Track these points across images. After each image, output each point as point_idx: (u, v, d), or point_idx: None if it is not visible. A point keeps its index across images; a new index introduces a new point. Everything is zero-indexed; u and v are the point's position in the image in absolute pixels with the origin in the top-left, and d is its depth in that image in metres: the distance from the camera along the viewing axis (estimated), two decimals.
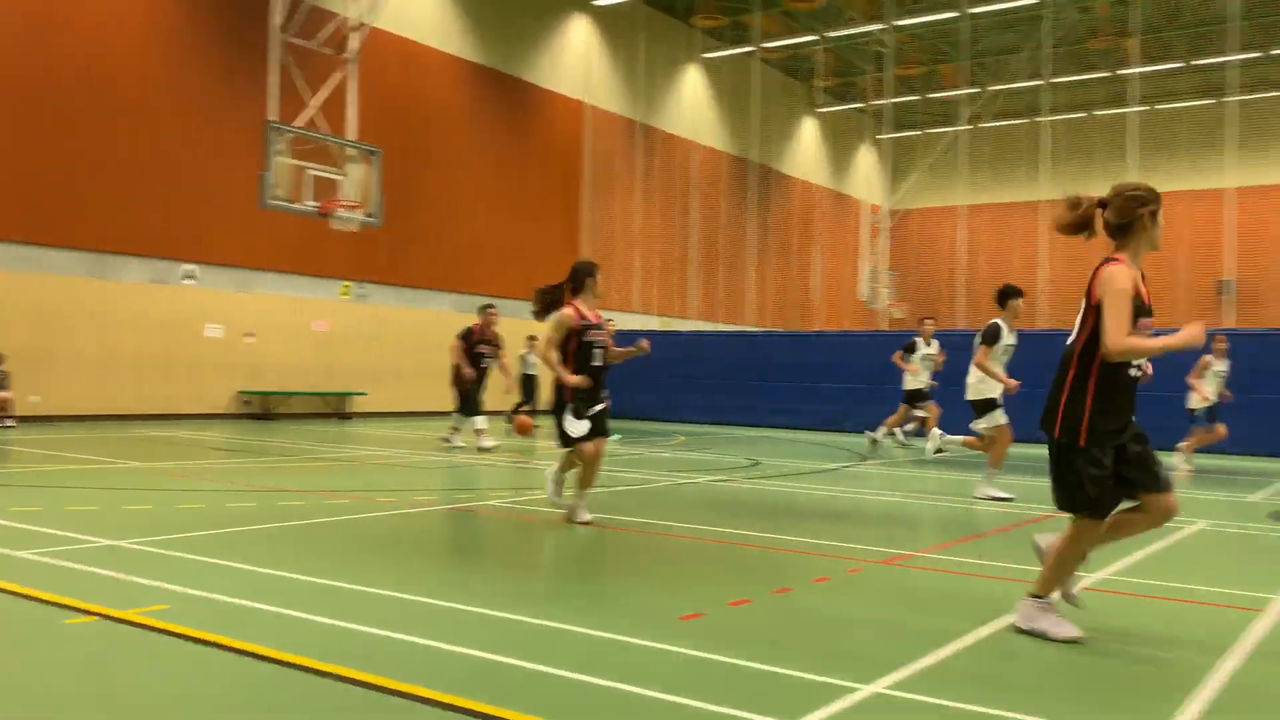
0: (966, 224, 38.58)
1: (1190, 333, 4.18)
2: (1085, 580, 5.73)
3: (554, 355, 7.31)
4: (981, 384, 9.70)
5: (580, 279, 7.44)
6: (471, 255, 24.94)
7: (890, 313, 38.23)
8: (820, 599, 5.23)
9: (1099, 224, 4.41)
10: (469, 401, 14.05)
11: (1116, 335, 4.13)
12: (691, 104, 32.70)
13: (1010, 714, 3.40)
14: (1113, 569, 6.11)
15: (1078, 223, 4.42)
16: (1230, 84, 31.53)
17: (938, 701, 3.52)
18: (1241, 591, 5.59)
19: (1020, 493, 10.00)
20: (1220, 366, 13.72)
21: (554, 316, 7.37)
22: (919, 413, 15.76)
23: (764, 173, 35.83)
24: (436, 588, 5.14)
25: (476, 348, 13.99)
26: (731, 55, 33.42)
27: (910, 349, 15.41)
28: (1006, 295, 9.67)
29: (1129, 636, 4.58)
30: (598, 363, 7.35)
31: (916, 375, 15.32)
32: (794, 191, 37.66)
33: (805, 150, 38.37)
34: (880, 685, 3.66)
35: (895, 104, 37.07)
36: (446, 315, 23.69)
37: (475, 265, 24.98)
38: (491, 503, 8.81)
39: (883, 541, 7.20)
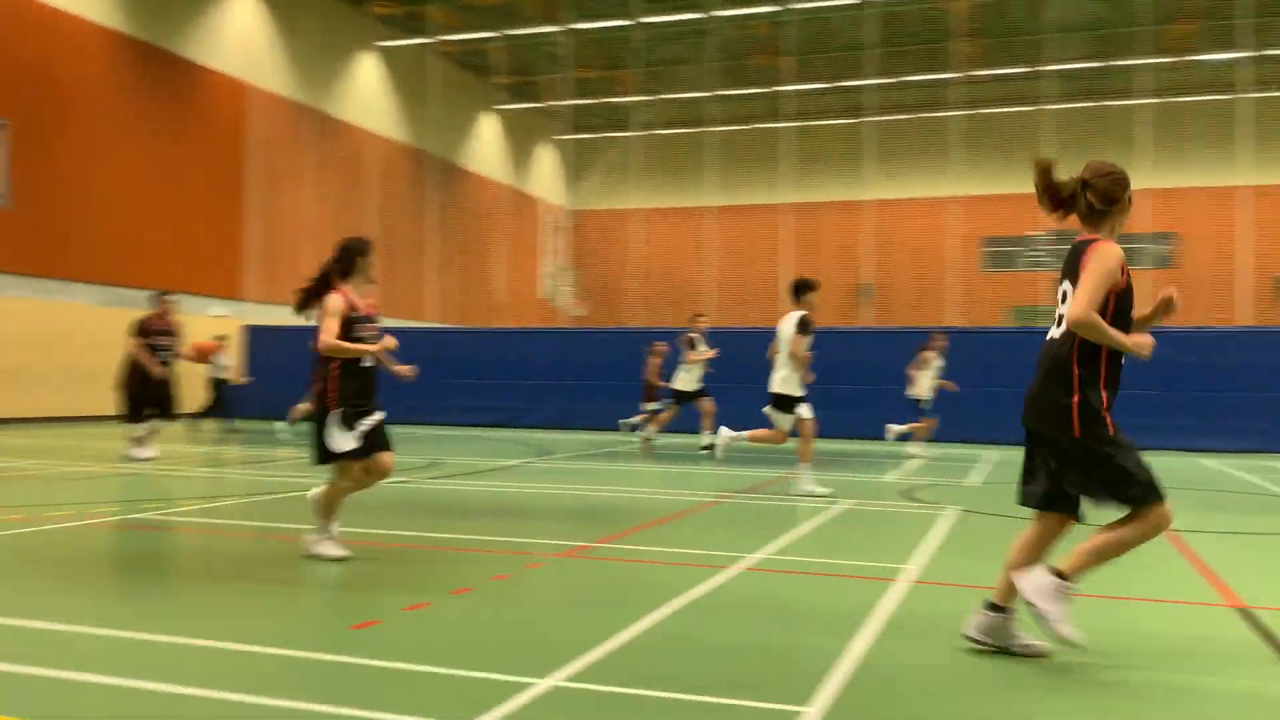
0: (642, 226, 40.16)
1: (1145, 341, 4.09)
2: (743, 562, 6.11)
3: (340, 343, 5.98)
4: (790, 378, 9.63)
5: (350, 259, 6.26)
6: (120, 243, 22.77)
7: (571, 310, 39.11)
8: (499, 596, 5.21)
9: (1081, 204, 4.19)
10: (136, 403, 12.51)
11: (1086, 306, 3.93)
12: (367, 93, 31.72)
13: (679, 696, 3.54)
14: (768, 549, 6.55)
15: (1061, 199, 4.22)
16: (870, 105, 34.91)
17: (612, 689, 3.60)
18: (880, 564, 6.17)
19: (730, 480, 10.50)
20: (939, 361, 15.46)
21: (324, 304, 6.13)
22: (651, 410, 15.43)
23: (444, 167, 35.45)
24: (65, 612, 4.61)
25: (155, 339, 12.59)
26: (408, 45, 32.75)
27: (690, 345, 14.69)
28: (806, 288, 9.71)
29: (785, 612, 4.90)
30: (369, 363, 6.20)
31: (692, 371, 14.60)
32: (475, 187, 37.54)
33: (486, 146, 38.35)
34: (558, 678, 3.68)
35: (573, 106, 37.91)
36: (91, 310, 21.50)
37: (125, 254, 22.83)
38: (133, 516, 8.06)
39: (562, 535, 7.31)
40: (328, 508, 6.17)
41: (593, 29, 31.85)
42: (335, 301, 6.09)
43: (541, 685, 3.60)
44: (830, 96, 37.37)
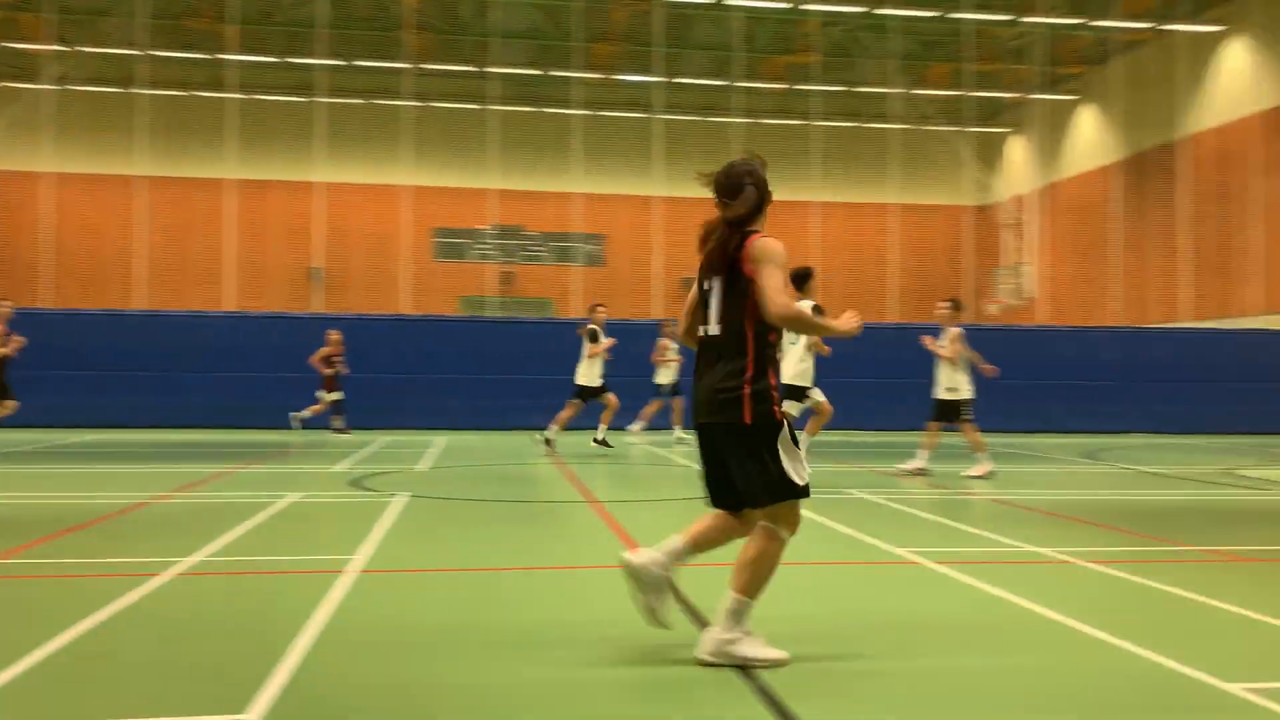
0: (55, 193, 35.39)
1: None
2: (176, 567, 5.60)
3: (808, 314, 4.19)
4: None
5: (761, 194, 4.03)
6: None
7: None
8: None
9: None
10: None
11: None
12: None
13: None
14: (206, 551, 6.08)
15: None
16: (320, 86, 34.05)
17: None
18: (327, 556, 6.00)
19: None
20: (675, 347, 15.66)
21: (760, 245, 3.91)
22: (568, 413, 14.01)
23: None
24: None
25: None
26: None
27: (592, 338, 13.95)
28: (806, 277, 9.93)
29: (221, 617, 4.57)
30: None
31: (595, 366, 13.97)
32: None
33: None
34: None
35: None
36: None
37: None
38: None
39: None
40: (764, 578, 3.91)
41: None
42: (774, 248, 3.91)
43: None
44: (278, 71, 35.88)
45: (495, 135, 35.38)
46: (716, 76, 36.40)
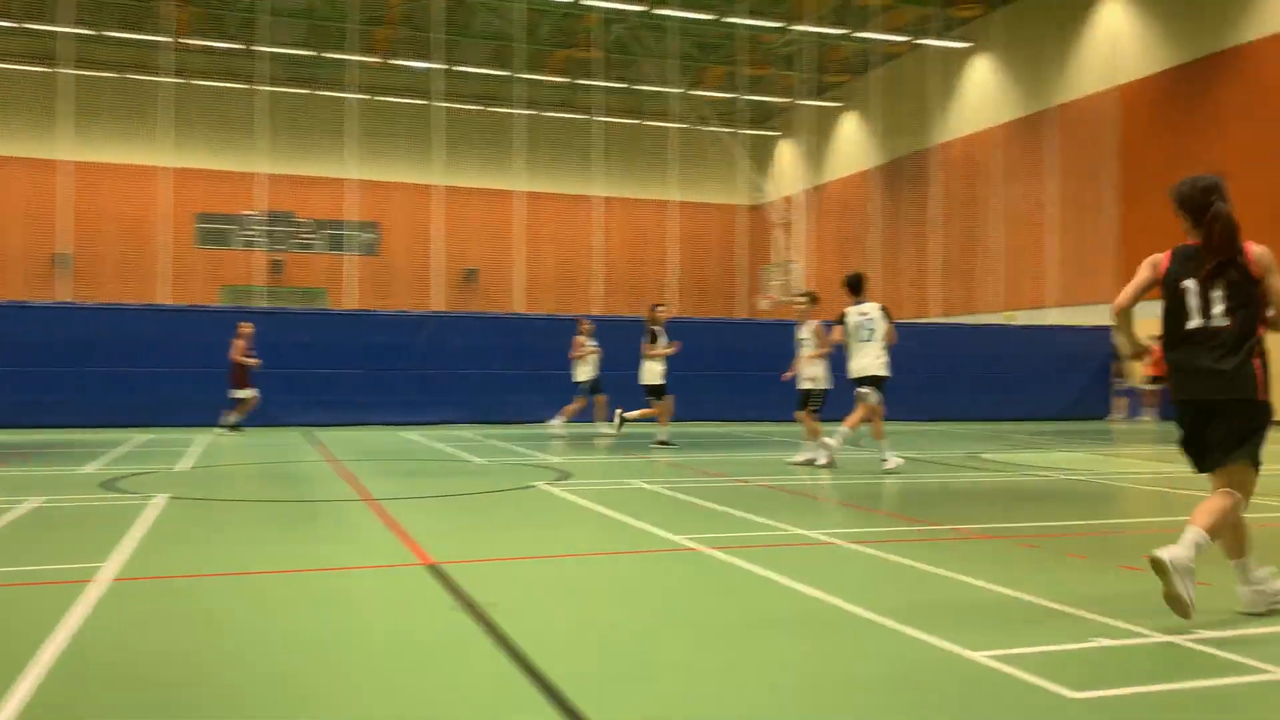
0: None
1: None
2: None
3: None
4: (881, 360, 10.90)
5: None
6: None
7: None
8: None
9: None
10: None
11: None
12: None
13: None
14: None
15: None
16: (65, 55, 31.37)
17: None
18: (74, 565, 5.55)
19: None
20: (592, 344, 15.73)
21: (1261, 251, 4.52)
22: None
23: None
24: None
25: None
26: None
27: (653, 338, 14.11)
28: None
29: None
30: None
31: (659, 363, 14.18)
32: None
33: None
34: None
35: None
36: None
37: None
38: None
39: None
40: (1225, 525, 4.48)
41: None
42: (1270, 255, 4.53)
43: None
44: (18, 38, 32.86)
45: (264, 117, 33.72)
46: (498, 67, 36.13)
